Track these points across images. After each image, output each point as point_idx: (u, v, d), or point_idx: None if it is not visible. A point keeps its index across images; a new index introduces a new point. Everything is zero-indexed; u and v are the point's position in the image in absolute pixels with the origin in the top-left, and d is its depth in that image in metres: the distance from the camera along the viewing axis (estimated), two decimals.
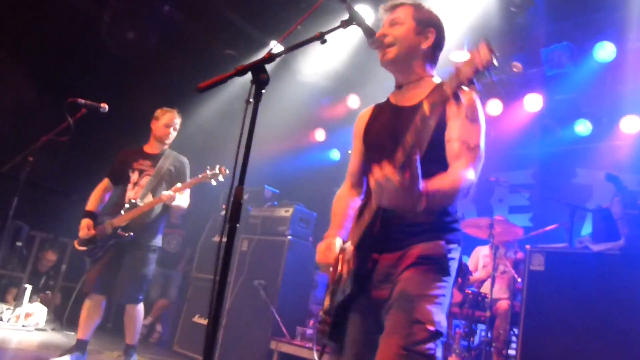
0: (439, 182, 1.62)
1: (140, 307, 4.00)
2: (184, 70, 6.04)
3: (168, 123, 4.15)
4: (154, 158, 4.15)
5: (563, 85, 5.41)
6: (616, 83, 5.17)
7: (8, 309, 5.45)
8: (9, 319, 5.36)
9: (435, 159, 1.74)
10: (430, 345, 1.62)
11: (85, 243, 3.98)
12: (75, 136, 3.46)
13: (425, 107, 1.56)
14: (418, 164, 1.50)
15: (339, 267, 1.86)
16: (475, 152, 1.73)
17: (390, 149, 1.80)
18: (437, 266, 1.74)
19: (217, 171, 3.96)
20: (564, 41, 5.14)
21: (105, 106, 3.63)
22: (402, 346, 1.61)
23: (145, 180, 4.06)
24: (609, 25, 4.93)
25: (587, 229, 5.30)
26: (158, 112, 4.21)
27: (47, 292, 6.29)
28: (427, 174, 1.62)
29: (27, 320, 5.46)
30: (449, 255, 1.77)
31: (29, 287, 5.56)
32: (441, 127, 1.79)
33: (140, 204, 3.96)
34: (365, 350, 1.80)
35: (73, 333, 5.59)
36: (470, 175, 1.69)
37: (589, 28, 5.06)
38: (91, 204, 4.11)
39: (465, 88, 1.46)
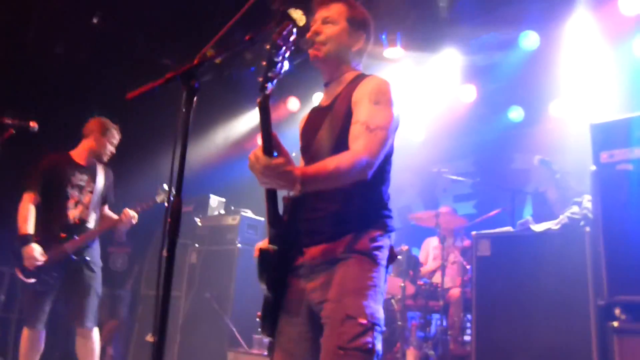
0: (322, 164, 1.63)
1: (97, 332, 3.70)
2: (118, 82, 5.83)
3: (113, 142, 3.92)
4: (89, 172, 3.84)
5: (494, 74, 5.60)
6: (542, 70, 5.39)
7: None
8: None
9: (345, 146, 1.74)
10: (367, 339, 1.62)
11: (31, 274, 3.53)
12: (3, 158, 3.26)
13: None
14: (282, 146, 1.58)
15: None
16: (376, 133, 1.72)
17: (310, 147, 1.90)
18: (362, 257, 1.73)
19: (161, 195, 3.84)
20: (492, 32, 5.33)
21: (34, 125, 3.43)
22: (337, 346, 1.61)
23: (87, 198, 3.79)
24: (530, 14, 5.15)
25: (528, 211, 5.51)
26: (103, 125, 3.89)
27: None
28: None
29: None
30: (375, 244, 1.76)
31: None
32: (348, 115, 1.82)
33: (91, 226, 3.76)
34: (293, 344, 1.79)
35: None
36: (365, 156, 1.66)
37: (512, 18, 5.27)
38: (27, 226, 3.55)
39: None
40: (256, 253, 1.87)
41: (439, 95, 5.97)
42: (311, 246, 1.80)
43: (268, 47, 1.59)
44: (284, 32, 1.60)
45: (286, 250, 1.79)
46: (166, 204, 3.97)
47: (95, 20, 5.52)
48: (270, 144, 1.55)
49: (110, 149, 3.92)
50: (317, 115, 1.99)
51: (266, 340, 4.90)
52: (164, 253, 1.60)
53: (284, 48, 1.60)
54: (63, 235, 3.65)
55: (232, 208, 5.52)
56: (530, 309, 3.37)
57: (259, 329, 1.93)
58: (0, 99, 4.89)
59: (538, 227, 3.51)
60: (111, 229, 3.90)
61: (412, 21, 5.47)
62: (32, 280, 3.54)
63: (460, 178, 5.10)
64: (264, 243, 1.88)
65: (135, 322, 5.66)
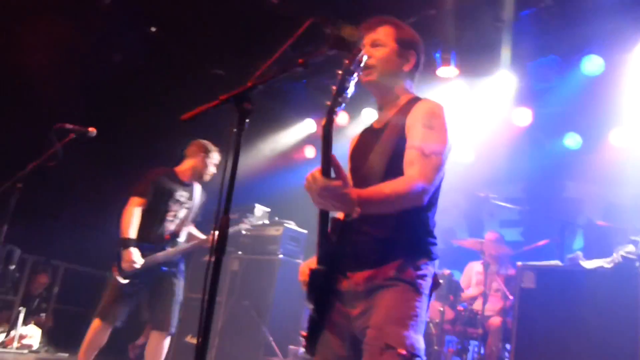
0: (378, 188, 1.64)
1: (169, 339, 3.88)
2: (170, 91, 6.05)
3: (214, 163, 4.12)
4: (189, 189, 4.05)
5: (551, 98, 5.43)
6: (605, 96, 5.19)
7: (2, 332, 5.41)
8: (3, 342, 5.33)
9: (396, 172, 1.74)
10: None
11: (127, 275, 3.74)
12: (65, 160, 3.46)
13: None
14: (341, 168, 1.54)
15: None
16: (430, 159, 1.72)
17: (361, 169, 1.89)
18: (406, 286, 1.72)
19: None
20: (551, 55, 5.18)
21: (93, 130, 3.61)
22: None
23: (184, 213, 4.01)
24: (596, 38, 4.96)
25: (578, 243, 5.31)
26: (206, 147, 4.11)
27: (41, 314, 6.26)
28: None
29: (21, 342, 5.43)
30: (419, 273, 1.75)
31: (22, 310, 5.54)
32: (401, 139, 1.82)
33: (181, 240, 4.01)
34: None
35: (67, 355, 5.56)
36: (420, 182, 1.66)
37: (575, 41, 5.10)
38: (130, 230, 3.71)
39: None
40: (303, 272, 1.90)
41: (491, 116, 5.85)
42: (356, 271, 1.80)
43: (340, 72, 1.63)
44: (357, 59, 1.64)
45: (333, 271, 1.80)
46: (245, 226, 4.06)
47: (152, 30, 5.73)
48: (329, 166, 1.56)
49: (212, 169, 4.12)
50: (368, 138, 2.00)
51: (302, 351, 4.94)
52: (208, 260, 1.64)
53: (355, 74, 1.64)
54: (156, 245, 3.86)
55: (276, 219, 5.58)
56: (573, 347, 3.27)
57: (302, 346, 1.95)
58: (61, 106, 5.18)
59: (589, 264, 3.39)
60: (198, 247, 4.08)
61: (467, 40, 5.40)
62: (125, 281, 3.74)
63: (508, 205, 4.97)
64: (311, 262, 1.91)
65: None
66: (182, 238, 4.03)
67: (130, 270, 3.70)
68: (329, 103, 1.62)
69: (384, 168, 1.82)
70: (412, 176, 1.69)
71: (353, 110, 6.45)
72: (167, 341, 3.84)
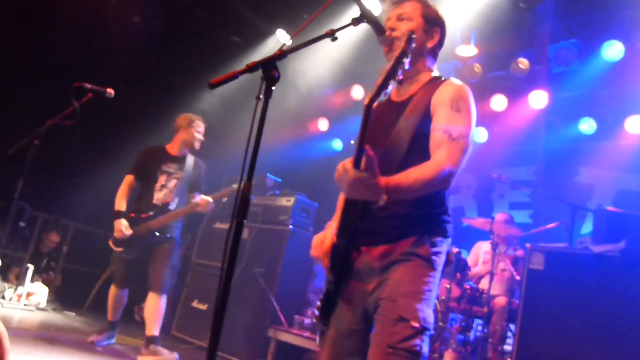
0: (405, 175, 1.65)
1: (165, 299, 4.19)
2: (188, 56, 6.01)
3: (200, 131, 4.44)
4: (179, 161, 4.41)
5: (569, 83, 5.39)
6: (623, 82, 5.14)
7: (10, 287, 5.50)
8: (11, 298, 5.42)
9: (420, 150, 1.76)
10: (416, 341, 1.66)
11: (120, 243, 4.19)
12: (81, 120, 3.47)
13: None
14: (374, 159, 1.54)
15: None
16: (458, 141, 1.74)
17: (380, 143, 1.87)
18: (421, 262, 1.75)
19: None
20: (572, 39, 5.12)
21: (111, 91, 3.65)
22: (388, 344, 1.65)
23: (173, 183, 4.34)
24: (618, 23, 4.89)
25: (587, 228, 5.32)
26: (189, 118, 4.44)
27: (49, 272, 6.34)
28: (411, 165, 1.69)
29: (28, 299, 5.52)
30: (434, 250, 1.78)
31: (30, 267, 5.61)
32: (426, 118, 1.82)
33: (172, 208, 4.29)
34: (341, 338, 1.84)
35: (73, 314, 5.66)
36: (448, 166, 1.68)
37: (597, 26, 5.03)
38: (120, 204, 4.22)
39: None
40: (315, 247, 1.93)
41: (507, 97, 5.81)
42: (371, 246, 1.82)
43: (396, 54, 1.61)
44: (411, 41, 1.64)
45: (351, 247, 1.84)
46: (236, 187, 4.34)
47: None
48: (361, 156, 1.57)
49: (199, 137, 4.45)
50: (388, 111, 1.98)
51: (307, 321, 5.00)
52: (229, 229, 1.65)
53: (409, 56, 1.63)
54: (144, 215, 4.24)
55: (288, 190, 5.60)
56: (578, 329, 3.30)
57: (314, 317, 1.98)
58: (80, 66, 5.17)
59: (598, 248, 3.40)
60: (191, 212, 4.34)
61: (488, 19, 5.33)
62: (120, 249, 4.21)
63: (523, 188, 4.97)
64: (324, 236, 1.93)
65: (183, 288, 5.89)
66: (173, 206, 4.32)
67: (121, 238, 4.14)
68: (378, 83, 1.59)
69: (407, 145, 1.82)
70: (439, 160, 1.70)
71: (369, 83, 6.41)
72: (161, 301, 4.15)
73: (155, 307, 4.12)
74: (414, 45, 1.65)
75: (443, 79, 1.94)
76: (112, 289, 4.35)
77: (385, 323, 1.70)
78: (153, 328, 4.08)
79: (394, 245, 1.79)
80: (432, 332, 1.75)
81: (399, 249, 1.77)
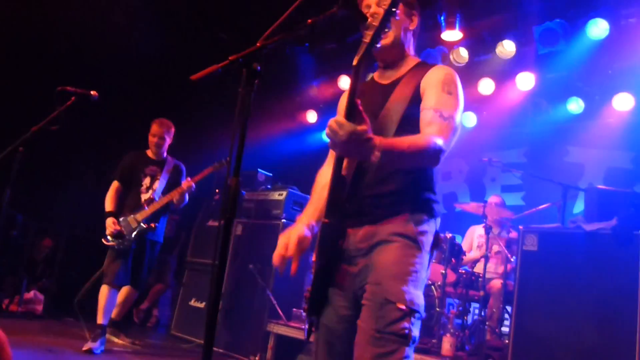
0: (398, 140, 1.64)
1: (135, 293, 4.68)
2: (173, 53, 5.96)
3: (154, 136, 4.67)
4: (159, 164, 4.73)
5: (556, 63, 5.38)
6: (609, 60, 5.15)
7: (7, 297, 5.47)
8: (8, 307, 5.39)
9: (408, 131, 1.74)
10: (404, 324, 1.63)
11: (112, 238, 4.44)
12: (67, 125, 3.44)
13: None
14: (364, 114, 1.53)
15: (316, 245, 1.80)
16: (449, 122, 1.74)
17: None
18: (407, 242, 1.72)
19: (224, 162, 4.54)
20: (557, 19, 5.10)
21: (95, 94, 3.59)
22: (375, 329, 1.63)
23: (156, 185, 4.64)
24: (602, 1, 4.89)
25: (579, 207, 5.35)
26: (151, 124, 4.73)
27: (44, 279, 6.31)
28: None
29: (25, 307, 5.50)
30: (420, 229, 1.75)
31: (25, 276, 5.59)
32: (414, 100, 1.82)
33: (157, 199, 4.58)
34: (337, 324, 1.80)
35: (71, 319, 5.64)
36: (439, 141, 1.67)
37: (581, 5, 5.03)
38: (110, 205, 4.54)
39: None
40: (283, 249, 1.77)
41: (494, 81, 5.81)
42: (356, 227, 1.79)
43: (384, 9, 1.60)
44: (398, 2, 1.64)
45: (338, 228, 1.76)
46: (218, 165, 4.59)
47: None
48: (354, 111, 1.54)
49: (153, 140, 4.69)
50: (374, 93, 1.96)
51: (305, 313, 5.01)
52: (219, 225, 1.62)
53: (395, 14, 1.63)
54: (134, 212, 4.55)
55: (279, 184, 5.59)
56: (573, 307, 3.31)
57: (303, 306, 1.92)
58: (62, 69, 5.11)
59: (590, 227, 3.42)
60: (170, 199, 4.53)
61: (472, 2, 5.32)
62: (112, 243, 4.44)
63: (512, 170, 4.98)
64: (294, 233, 1.80)
65: (180, 286, 5.88)
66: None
67: (112, 233, 4.41)
68: (366, 40, 1.58)
69: (395, 126, 1.81)
70: (431, 134, 1.69)
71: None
72: (134, 292, 4.66)
73: (124, 297, 4.61)
74: (399, 5, 1.65)
75: (431, 64, 1.95)
76: (103, 289, 4.39)
77: (371, 307, 1.67)
78: (116, 314, 4.58)
79: (379, 225, 1.76)
80: (423, 314, 1.71)
81: (384, 230, 1.75)
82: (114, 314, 4.52)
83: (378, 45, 1.61)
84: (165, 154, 4.79)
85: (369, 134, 1.51)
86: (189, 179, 4.55)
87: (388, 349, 1.61)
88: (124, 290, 4.56)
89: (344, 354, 1.77)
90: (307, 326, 1.89)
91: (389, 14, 1.60)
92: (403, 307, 1.64)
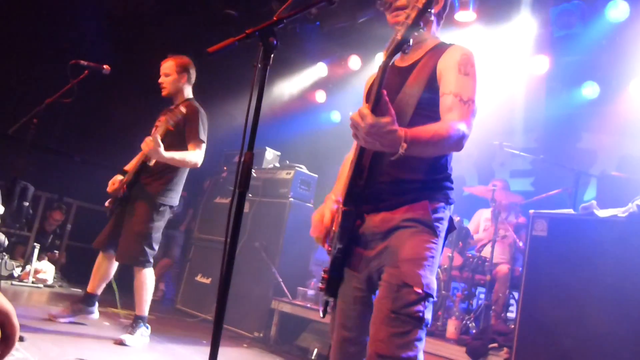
0: (422, 128, 1.62)
1: (147, 272, 3.75)
2: (183, 29, 5.91)
3: (161, 72, 4.03)
4: (170, 111, 3.91)
5: (571, 46, 5.26)
6: (628, 44, 5.02)
7: (18, 266, 5.54)
8: (19, 276, 5.47)
9: (425, 115, 1.74)
10: (419, 307, 1.66)
11: (111, 199, 3.92)
12: (79, 98, 3.45)
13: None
14: (389, 106, 1.51)
15: (334, 225, 1.87)
16: (469, 105, 1.73)
17: None
18: (424, 228, 1.74)
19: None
20: (575, 0, 4.99)
21: (107, 68, 3.61)
22: (391, 309, 1.66)
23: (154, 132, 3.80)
24: None
25: (590, 194, 5.29)
26: None
27: (54, 250, 6.40)
28: None
29: (36, 277, 5.58)
30: (436, 216, 1.77)
31: (37, 246, 5.66)
32: (431, 84, 1.80)
33: (150, 164, 3.78)
34: (351, 305, 1.85)
35: (80, 290, 5.71)
36: (462, 127, 1.66)
37: None
38: (128, 164, 4.01)
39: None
40: (316, 227, 1.90)
41: (507, 63, 5.71)
42: (373, 213, 1.81)
43: (421, 4, 1.55)
44: None
45: (356, 214, 1.81)
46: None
47: None
48: (379, 102, 1.52)
49: (160, 80, 4.05)
50: (391, 75, 1.91)
51: (310, 293, 5.03)
52: (230, 202, 1.64)
53: (432, 9, 1.58)
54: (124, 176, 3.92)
55: (287, 162, 5.58)
56: (582, 294, 3.28)
57: (319, 286, 1.97)
58: (77, 43, 5.08)
59: (603, 213, 3.37)
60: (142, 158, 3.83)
61: None
62: (109, 206, 3.92)
63: (524, 154, 4.91)
64: (322, 212, 1.91)
65: (186, 262, 5.92)
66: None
67: (111, 192, 3.87)
68: (399, 37, 1.54)
69: (412, 110, 1.79)
70: (453, 121, 1.68)
71: (366, 54, 6.31)
72: (140, 273, 3.75)
73: (135, 283, 3.79)
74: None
75: (448, 44, 1.91)
76: (98, 257, 3.97)
77: (388, 289, 1.70)
78: (135, 306, 3.81)
79: (396, 211, 1.78)
80: (435, 299, 1.75)
81: (401, 216, 1.76)
82: (135, 306, 3.86)
83: (410, 44, 1.55)
84: (179, 98, 4.03)
85: (393, 126, 1.50)
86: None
87: (403, 330, 1.64)
88: (135, 275, 3.83)
89: (358, 333, 1.83)
90: (322, 306, 1.95)
91: (421, 14, 1.54)
92: (420, 291, 1.66)
